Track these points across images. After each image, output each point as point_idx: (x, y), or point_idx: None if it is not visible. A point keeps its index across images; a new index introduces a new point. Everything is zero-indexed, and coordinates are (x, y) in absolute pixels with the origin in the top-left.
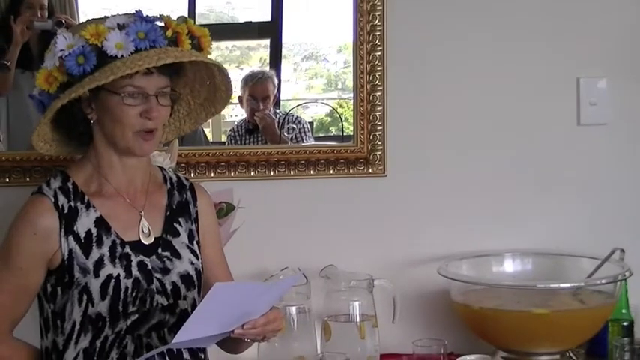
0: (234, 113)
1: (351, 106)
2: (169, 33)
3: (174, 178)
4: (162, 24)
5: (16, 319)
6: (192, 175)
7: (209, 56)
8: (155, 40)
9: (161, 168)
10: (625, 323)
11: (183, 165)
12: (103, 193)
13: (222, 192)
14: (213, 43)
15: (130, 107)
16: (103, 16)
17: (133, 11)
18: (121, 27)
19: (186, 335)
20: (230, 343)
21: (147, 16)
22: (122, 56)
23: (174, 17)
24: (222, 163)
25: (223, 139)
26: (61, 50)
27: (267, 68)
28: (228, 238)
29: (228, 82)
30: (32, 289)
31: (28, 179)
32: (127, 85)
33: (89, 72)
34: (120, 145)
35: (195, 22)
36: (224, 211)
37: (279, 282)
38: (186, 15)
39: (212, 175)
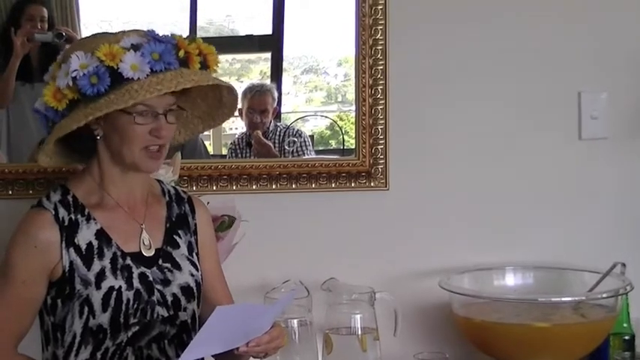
0: (235, 126)
1: (351, 119)
2: (181, 54)
3: (173, 191)
4: (174, 43)
5: (21, 333)
6: (194, 188)
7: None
8: (170, 63)
9: (159, 180)
10: (626, 337)
11: (185, 178)
12: (103, 205)
13: (224, 203)
14: None
15: (140, 126)
16: (111, 33)
17: (145, 29)
18: (135, 48)
19: (190, 356)
20: (230, 358)
21: (160, 35)
22: (138, 78)
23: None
24: (224, 176)
25: (224, 151)
26: (75, 70)
27: (267, 81)
28: (230, 251)
29: (234, 101)
30: (35, 302)
31: (30, 191)
32: (138, 104)
33: (103, 93)
34: (126, 161)
35: (196, 35)
36: (226, 224)
37: (280, 299)
38: (188, 28)
39: (214, 188)
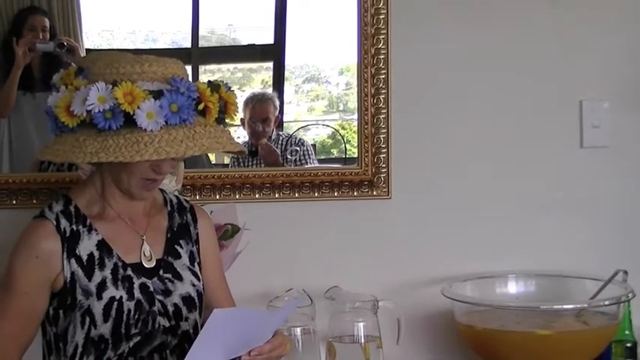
0: (237, 135)
1: (353, 128)
2: (201, 107)
3: (175, 200)
4: (195, 97)
5: (25, 344)
6: (197, 197)
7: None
8: (185, 119)
9: (162, 190)
10: (628, 344)
11: (188, 187)
12: (104, 216)
13: (225, 209)
14: (214, 65)
15: (142, 162)
16: (136, 55)
17: (170, 76)
18: (156, 95)
19: None
20: None
21: (182, 82)
22: (151, 130)
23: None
24: (228, 185)
25: (226, 160)
26: (92, 104)
27: (269, 90)
28: (234, 259)
29: (242, 152)
30: (38, 313)
31: (34, 201)
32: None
33: (114, 129)
34: (122, 187)
35: (198, 45)
36: (229, 232)
37: (282, 307)
38: (190, 37)
39: (217, 197)
